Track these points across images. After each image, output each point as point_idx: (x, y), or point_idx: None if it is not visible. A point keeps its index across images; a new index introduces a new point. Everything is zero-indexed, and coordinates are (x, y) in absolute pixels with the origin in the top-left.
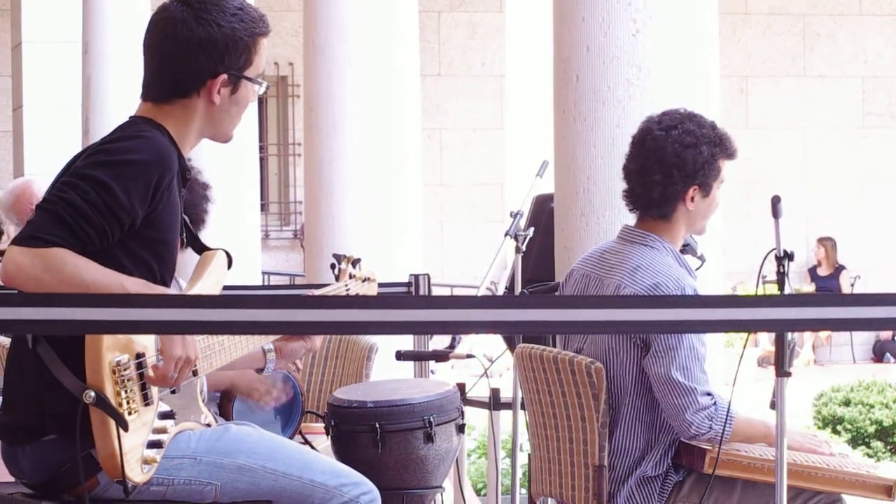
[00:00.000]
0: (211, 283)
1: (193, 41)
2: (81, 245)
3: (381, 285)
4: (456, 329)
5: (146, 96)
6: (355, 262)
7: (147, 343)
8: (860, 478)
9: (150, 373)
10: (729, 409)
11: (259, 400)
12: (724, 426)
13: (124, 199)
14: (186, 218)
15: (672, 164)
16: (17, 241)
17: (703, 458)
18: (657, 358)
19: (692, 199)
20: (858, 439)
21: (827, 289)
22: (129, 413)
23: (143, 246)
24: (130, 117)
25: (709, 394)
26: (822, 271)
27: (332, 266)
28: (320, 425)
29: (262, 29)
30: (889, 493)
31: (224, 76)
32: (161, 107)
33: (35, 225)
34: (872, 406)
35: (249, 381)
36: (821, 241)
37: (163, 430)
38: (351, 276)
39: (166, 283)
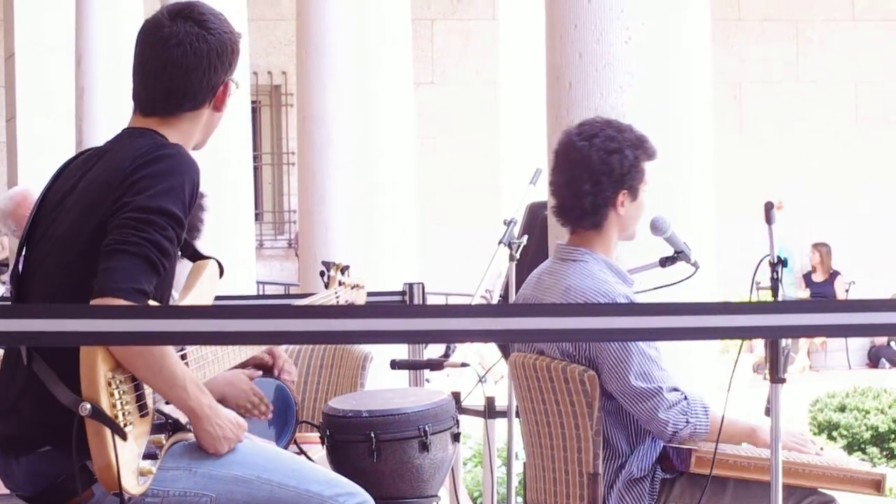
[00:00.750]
0: (203, 293)
1: (212, 53)
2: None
3: (375, 294)
4: (450, 338)
5: (151, 111)
6: (344, 270)
7: None
8: (850, 473)
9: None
10: (702, 402)
11: (246, 415)
12: (701, 418)
13: (185, 220)
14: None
15: (600, 171)
16: (122, 294)
17: (688, 459)
18: (612, 376)
19: (622, 204)
20: (854, 445)
21: (822, 294)
22: (125, 425)
23: None
24: (138, 129)
25: (676, 389)
26: (818, 277)
27: (322, 273)
28: (315, 435)
29: (236, 30)
30: (878, 488)
31: (228, 83)
32: (168, 120)
33: (131, 275)
34: (868, 412)
35: (238, 396)
36: (815, 246)
37: (158, 442)
38: (340, 284)
39: (164, 299)
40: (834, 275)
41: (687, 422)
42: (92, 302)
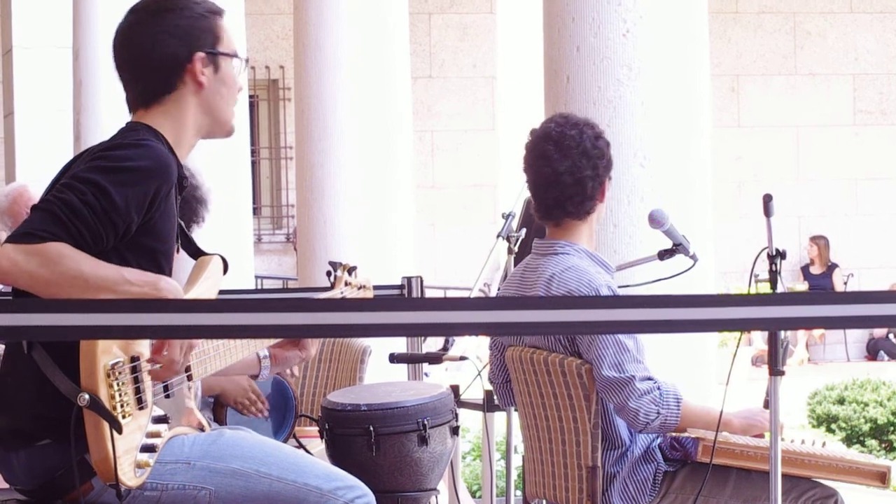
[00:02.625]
0: (207, 288)
1: (158, 32)
2: (76, 246)
3: (373, 288)
4: (449, 331)
5: (135, 106)
6: (351, 270)
7: (141, 347)
8: (854, 464)
9: (147, 379)
10: (675, 392)
11: (243, 412)
12: (672, 409)
13: (121, 204)
14: (182, 223)
15: (595, 156)
16: (11, 239)
17: (696, 448)
18: (592, 366)
19: (603, 194)
20: (853, 437)
21: (820, 287)
22: (124, 416)
23: (142, 255)
24: (129, 123)
25: (649, 378)
26: (815, 269)
27: (329, 273)
28: (314, 429)
29: (216, 8)
30: (883, 480)
31: (201, 54)
32: (154, 109)
33: (30, 223)
34: (867, 404)
35: (236, 392)
36: (813, 239)
37: (157, 435)
38: (347, 284)
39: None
40: (832, 267)
41: (658, 412)
42: None
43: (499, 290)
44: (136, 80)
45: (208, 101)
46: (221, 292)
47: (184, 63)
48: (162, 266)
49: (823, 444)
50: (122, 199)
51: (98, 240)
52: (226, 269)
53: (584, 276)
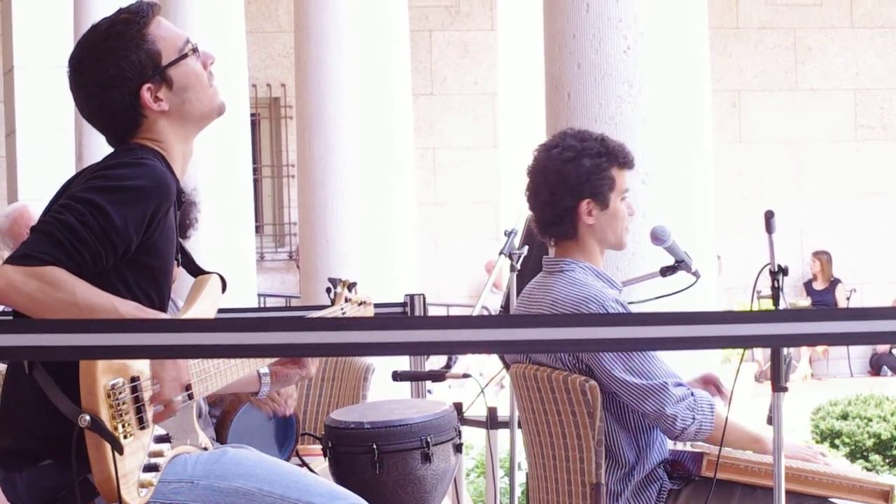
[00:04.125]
0: (206, 307)
1: (95, 89)
2: (76, 267)
3: (376, 305)
4: (452, 349)
5: (115, 145)
6: (351, 286)
7: (141, 366)
8: (858, 482)
9: (148, 398)
10: (709, 399)
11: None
12: (707, 415)
13: (120, 225)
14: (181, 241)
15: (555, 181)
16: (10, 261)
17: (700, 462)
18: (612, 378)
19: (589, 213)
20: (857, 453)
21: (823, 303)
22: (125, 437)
23: (140, 272)
24: (128, 144)
25: (681, 384)
26: (818, 285)
27: (328, 290)
28: (318, 447)
29: (144, 18)
30: (887, 499)
31: (147, 86)
32: (135, 138)
33: (29, 245)
34: (870, 419)
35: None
36: (816, 254)
37: (159, 454)
38: (347, 300)
39: (164, 308)
40: (834, 283)
41: (693, 418)
42: None
43: (502, 307)
44: (103, 128)
45: (179, 113)
46: (223, 310)
47: (135, 104)
48: (161, 284)
49: (823, 455)
50: (122, 220)
51: (98, 260)
52: (224, 288)
53: (589, 291)
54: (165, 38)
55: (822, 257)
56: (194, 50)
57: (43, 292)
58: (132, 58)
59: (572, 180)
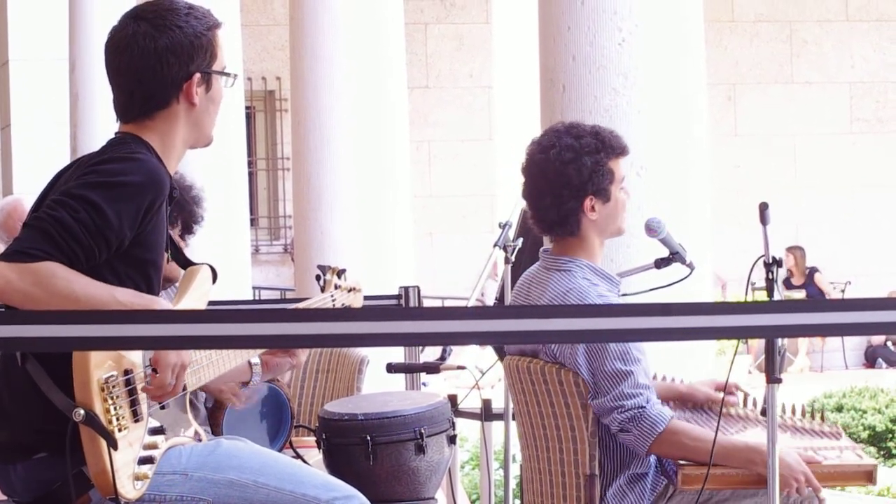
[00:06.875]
0: (196, 298)
1: (161, 49)
2: (69, 263)
3: (371, 298)
4: (446, 340)
5: (126, 118)
6: (340, 273)
7: (135, 359)
8: (839, 468)
9: (143, 386)
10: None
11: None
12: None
13: (114, 221)
14: (171, 234)
15: (558, 183)
16: (3, 258)
17: (677, 476)
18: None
19: (592, 209)
20: None
21: (806, 295)
22: (119, 430)
23: (132, 265)
24: (118, 134)
25: (642, 393)
26: (796, 280)
27: (318, 277)
28: (312, 439)
29: (216, 21)
30: (870, 479)
31: (198, 75)
32: (144, 123)
33: (22, 241)
34: (865, 411)
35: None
36: (790, 249)
37: (153, 446)
38: (336, 287)
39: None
40: (811, 273)
41: (627, 430)
42: None
43: (497, 299)
44: (132, 91)
45: (196, 118)
46: (217, 303)
47: (181, 83)
48: (151, 276)
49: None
50: (115, 215)
51: (91, 256)
52: (215, 279)
53: (586, 296)
54: (222, 48)
55: (796, 252)
56: (234, 77)
57: (38, 287)
58: (203, 42)
59: (575, 182)
